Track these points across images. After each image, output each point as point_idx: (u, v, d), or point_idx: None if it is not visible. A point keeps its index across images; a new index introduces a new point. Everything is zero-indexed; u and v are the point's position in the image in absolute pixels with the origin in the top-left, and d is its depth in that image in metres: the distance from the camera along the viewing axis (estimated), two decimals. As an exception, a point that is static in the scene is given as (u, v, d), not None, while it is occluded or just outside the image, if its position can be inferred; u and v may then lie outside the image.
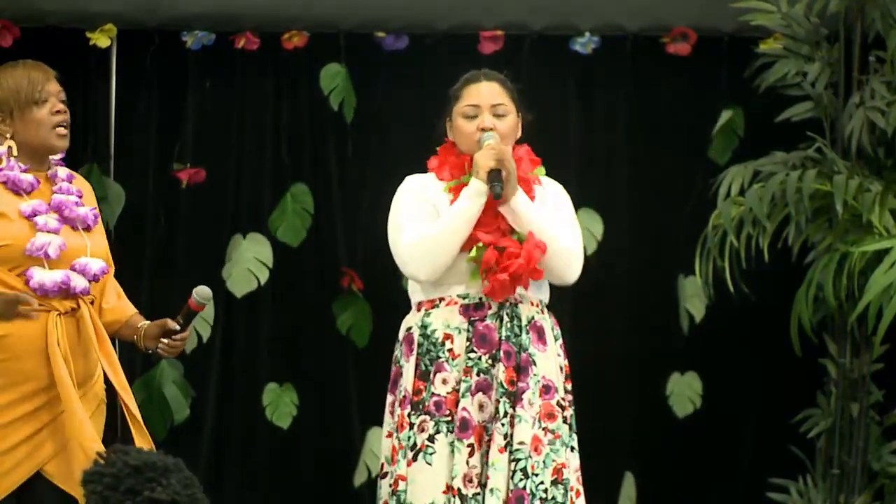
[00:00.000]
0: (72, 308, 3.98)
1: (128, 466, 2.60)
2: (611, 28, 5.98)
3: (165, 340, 4.07)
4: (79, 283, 3.97)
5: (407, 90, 5.98)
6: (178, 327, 4.05)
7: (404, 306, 5.99)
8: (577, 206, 5.97)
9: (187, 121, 5.94)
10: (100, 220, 4.14)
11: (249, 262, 5.92)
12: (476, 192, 4.17)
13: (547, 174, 4.45)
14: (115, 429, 5.88)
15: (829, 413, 5.73)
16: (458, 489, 4.08)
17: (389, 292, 5.99)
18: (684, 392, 6.05)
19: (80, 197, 4.07)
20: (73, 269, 3.97)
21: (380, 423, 5.92)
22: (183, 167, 5.90)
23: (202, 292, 4.02)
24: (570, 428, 4.28)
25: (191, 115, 5.95)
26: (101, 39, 5.81)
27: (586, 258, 5.92)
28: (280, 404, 5.95)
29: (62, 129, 4.05)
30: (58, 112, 4.05)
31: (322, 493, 6.02)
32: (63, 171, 4.09)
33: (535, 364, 4.18)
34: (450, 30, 5.95)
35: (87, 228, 4.04)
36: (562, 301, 5.71)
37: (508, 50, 5.94)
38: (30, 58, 4.24)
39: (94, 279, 3.99)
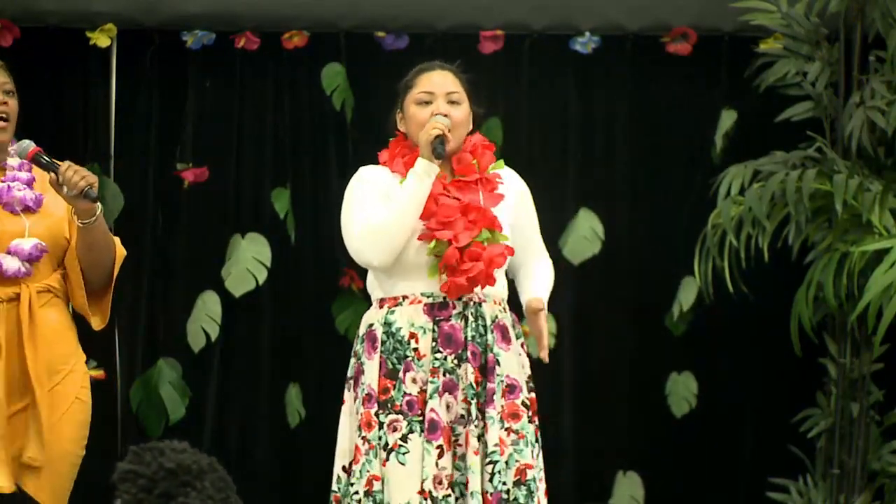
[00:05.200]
0: (15, 294, 3.96)
1: (163, 469, 2.56)
2: (611, 28, 5.98)
3: (63, 188, 3.92)
4: (11, 265, 3.95)
5: (407, 90, 5.98)
6: (55, 177, 3.92)
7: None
8: (577, 206, 6.03)
9: (187, 121, 5.95)
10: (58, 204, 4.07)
11: (248, 261, 5.92)
12: (424, 172, 4.10)
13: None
14: (115, 425, 5.90)
15: (829, 413, 5.73)
16: (430, 491, 4.03)
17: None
18: (680, 392, 6.04)
19: (31, 182, 4.05)
20: (8, 251, 3.96)
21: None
22: (186, 167, 5.91)
23: (17, 146, 4.01)
24: (537, 427, 4.22)
25: (191, 115, 5.95)
26: (101, 39, 5.81)
27: (588, 258, 5.98)
28: (279, 404, 5.95)
29: (0, 120, 4.04)
30: None
31: (321, 493, 6.01)
32: (16, 161, 4.07)
33: (499, 364, 4.12)
34: (450, 30, 5.95)
35: (28, 210, 4.02)
36: (563, 301, 5.73)
37: (508, 50, 5.94)
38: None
39: (29, 258, 3.97)
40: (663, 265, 6.02)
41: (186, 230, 5.96)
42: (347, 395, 4.28)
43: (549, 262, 4.38)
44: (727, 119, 5.91)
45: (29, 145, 3.97)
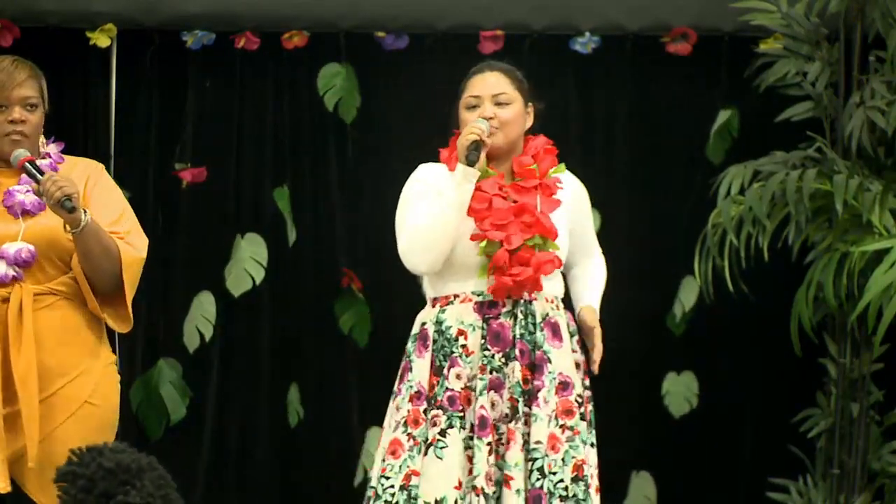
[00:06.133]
0: (9, 294, 3.96)
1: (101, 469, 2.58)
2: (611, 28, 5.97)
3: (43, 198, 3.93)
4: None
5: (407, 90, 5.98)
6: (37, 186, 3.94)
7: (404, 306, 5.98)
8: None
9: (187, 121, 5.95)
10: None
11: (246, 261, 5.92)
12: (462, 177, 4.13)
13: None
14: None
15: (829, 413, 5.73)
16: (482, 488, 4.05)
17: (389, 292, 5.99)
18: (681, 392, 6.05)
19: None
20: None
21: (379, 423, 5.96)
22: (185, 167, 5.91)
23: (13, 153, 4.00)
24: (590, 424, 4.26)
25: (191, 115, 5.95)
26: (101, 39, 5.81)
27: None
28: (279, 404, 5.94)
29: (16, 136, 4.03)
30: (12, 121, 4.03)
31: (321, 493, 6.01)
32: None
33: (550, 361, 4.15)
34: (450, 30, 5.95)
35: (28, 213, 4.01)
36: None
37: (508, 50, 5.93)
38: (30, 58, 4.22)
39: (16, 262, 3.96)
40: (663, 265, 6.02)
41: (186, 230, 5.96)
42: (397, 393, 4.29)
43: (602, 261, 4.50)
44: (723, 118, 5.92)
45: (21, 154, 3.98)
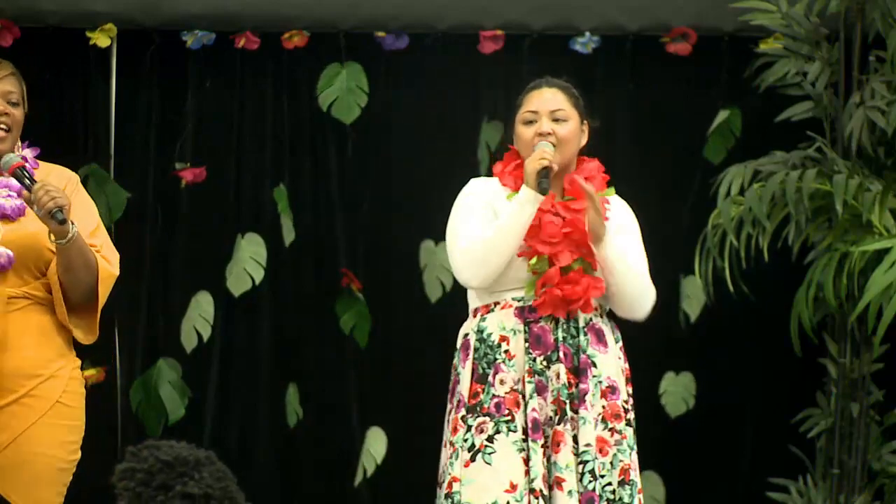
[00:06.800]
0: None
1: (159, 462, 2.60)
2: (611, 28, 5.98)
3: (34, 207, 3.91)
4: None
5: (407, 90, 5.98)
6: (28, 194, 3.90)
7: (404, 306, 6.01)
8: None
9: (187, 120, 5.95)
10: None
11: (246, 261, 5.92)
12: (526, 200, 4.12)
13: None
14: (115, 425, 5.89)
15: (829, 413, 5.73)
16: (540, 490, 4.04)
17: (389, 292, 5.99)
18: (679, 392, 6.05)
19: (21, 191, 4.03)
20: None
21: (379, 423, 5.98)
22: (185, 166, 5.91)
23: (4, 158, 3.97)
24: (634, 431, 4.26)
25: (191, 115, 5.95)
26: (101, 39, 5.82)
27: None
28: (279, 404, 5.94)
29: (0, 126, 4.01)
30: None
31: (321, 493, 6.01)
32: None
33: (595, 366, 4.15)
34: (450, 30, 5.95)
35: (7, 218, 3.98)
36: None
37: (508, 50, 5.94)
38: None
39: None
40: (663, 265, 6.01)
41: (186, 230, 5.96)
42: (448, 409, 4.29)
43: (645, 273, 4.39)
44: (721, 118, 5.92)
45: (12, 159, 3.95)
